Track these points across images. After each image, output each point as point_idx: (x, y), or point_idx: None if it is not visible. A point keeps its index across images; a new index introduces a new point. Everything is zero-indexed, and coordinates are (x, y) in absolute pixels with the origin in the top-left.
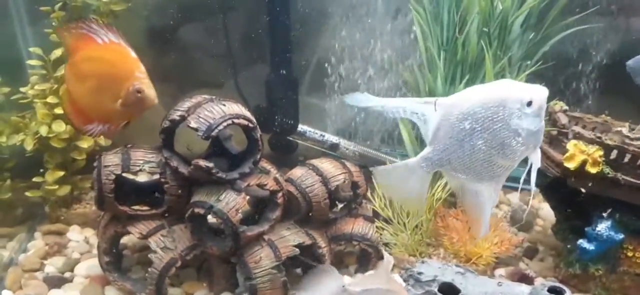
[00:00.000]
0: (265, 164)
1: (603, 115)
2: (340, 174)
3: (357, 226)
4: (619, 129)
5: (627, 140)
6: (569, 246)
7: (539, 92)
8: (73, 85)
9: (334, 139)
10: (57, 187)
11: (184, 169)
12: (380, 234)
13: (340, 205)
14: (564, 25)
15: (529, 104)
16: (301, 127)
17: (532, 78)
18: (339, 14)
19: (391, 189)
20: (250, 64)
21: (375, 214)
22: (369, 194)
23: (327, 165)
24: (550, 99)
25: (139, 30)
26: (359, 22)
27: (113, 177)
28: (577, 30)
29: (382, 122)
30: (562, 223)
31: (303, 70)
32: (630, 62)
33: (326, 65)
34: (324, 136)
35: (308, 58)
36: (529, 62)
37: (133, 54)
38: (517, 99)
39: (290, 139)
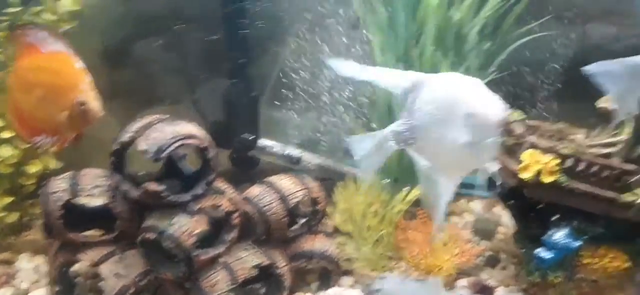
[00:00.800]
0: (220, 184)
1: (560, 123)
2: (299, 191)
3: (318, 243)
4: (575, 136)
5: (583, 148)
6: (528, 254)
7: (488, 109)
8: (18, 95)
9: (296, 152)
10: (5, 214)
11: (134, 193)
12: (342, 250)
13: (300, 223)
14: (520, 33)
15: (470, 116)
16: (262, 142)
17: (490, 86)
18: (297, 25)
19: (360, 159)
20: (208, 78)
21: (336, 230)
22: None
23: (285, 182)
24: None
25: (93, 46)
26: (318, 32)
27: (61, 203)
28: (535, 37)
29: (344, 133)
30: (522, 231)
31: (262, 83)
32: (590, 67)
33: (286, 77)
34: (285, 150)
35: (267, 70)
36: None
37: (79, 64)
38: (464, 106)
39: (252, 154)
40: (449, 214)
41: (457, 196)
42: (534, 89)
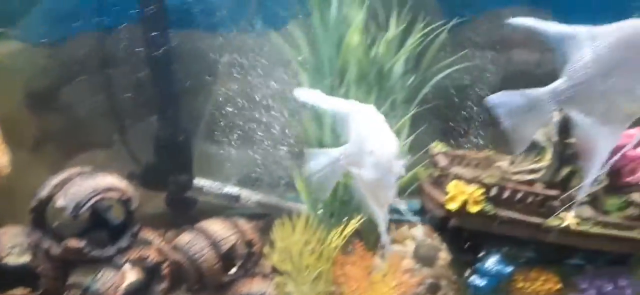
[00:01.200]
0: (148, 234)
1: (486, 150)
2: (231, 235)
3: (255, 286)
4: (500, 163)
5: (508, 175)
6: (465, 282)
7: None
8: None
9: (234, 190)
10: None
11: (56, 250)
12: (281, 290)
13: (234, 268)
14: (443, 65)
15: (371, 153)
16: (198, 182)
17: (417, 119)
18: (229, 62)
19: (312, 175)
20: (138, 120)
21: (275, 270)
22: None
23: (217, 227)
24: (435, 138)
25: (18, 93)
26: (250, 71)
27: None
28: (460, 67)
29: (284, 169)
30: (456, 260)
31: (195, 121)
32: (490, 98)
33: (220, 115)
34: (223, 189)
35: (199, 109)
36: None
37: None
38: (368, 143)
39: (188, 195)
40: (391, 242)
41: (399, 223)
42: (461, 118)
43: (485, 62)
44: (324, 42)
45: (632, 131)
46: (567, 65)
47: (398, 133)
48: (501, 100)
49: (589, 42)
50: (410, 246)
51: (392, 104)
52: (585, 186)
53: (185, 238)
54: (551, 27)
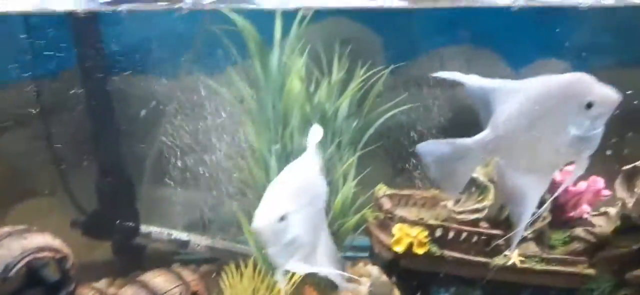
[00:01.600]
0: (86, 291)
1: (432, 190)
2: (175, 288)
3: None
4: (446, 202)
5: (453, 215)
6: None
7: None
8: None
9: (183, 236)
10: None
11: None
12: None
13: None
14: (387, 107)
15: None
16: (145, 228)
17: (363, 160)
18: (175, 107)
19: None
20: (81, 168)
21: None
22: None
23: (159, 280)
24: (385, 178)
25: None
26: (195, 115)
27: None
28: (407, 107)
29: (232, 214)
30: None
31: (139, 166)
32: (418, 147)
33: (167, 159)
34: (172, 235)
35: (144, 154)
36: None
37: None
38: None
39: (135, 242)
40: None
41: (355, 260)
42: (408, 157)
43: (430, 100)
44: (266, 88)
45: (571, 167)
46: (492, 117)
47: (345, 175)
48: (429, 149)
49: (511, 96)
50: (365, 284)
51: (338, 147)
52: (518, 233)
53: (128, 292)
54: (474, 81)
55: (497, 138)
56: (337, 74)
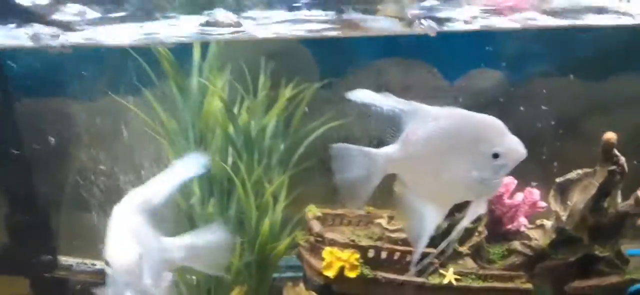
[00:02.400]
0: None
1: (367, 207)
2: None
3: None
4: (380, 220)
5: (387, 233)
6: None
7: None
8: None
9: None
10: None
11: None
12: None
13: None
14: (320, 123)
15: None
16: (66, 261)
17: (294, 180)
18: (92, 131)
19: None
20: None
21: None
22: None
23: None
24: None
25: None
26: (114, 141)
27: None
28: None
29: None
30: None
31: (57, 194)
32: (335, 147)
33: (85, 186)
34: (95, 265)
35: (62, 179)
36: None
37: None
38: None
39: (55, 276)
40: None
41: (296, 280)
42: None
43: (364, 115)
44: (184, 108)
45: (507, 180)
46: (403, 135)
47: (274, 196)
48: (341, 152)
49: (425, 120)
50: None
51: (266, 167)
52: (415, 258)
53: None
54: (388, 102)
55: (404, 157)
56: (261, 92)
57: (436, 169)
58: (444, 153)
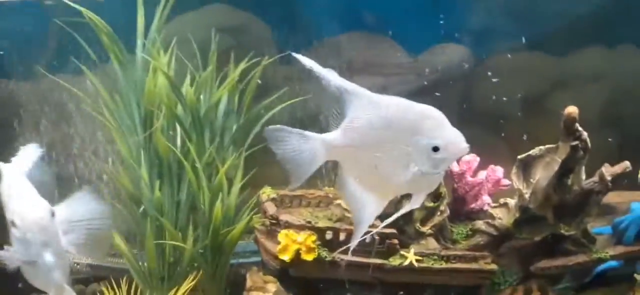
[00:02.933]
0: None
1: (326, 188)
2: None
3: None
4: (339, 201)
5: (346, 214)
6: None
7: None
8: None
9: None
10: None
11: None
12: None
13: None
14: (266, 105)
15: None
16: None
17: (250, 162)
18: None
19: None
20: None
21: None
22: None
23: None
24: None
25: None
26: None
27: None
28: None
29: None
30: None
31: None
32: (269, 130)
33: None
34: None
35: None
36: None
37: None
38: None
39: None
40: (250, 289)
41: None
42: None
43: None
44: (127, 86)
45: (469, 158)
46: (344, 122)
47: (229, 178)
48: (277, 135)
49: (367, 108)
50: (271, 290)
51: (218, 147)
52: (354, 241)
53: None
54: (334, 79)
55: (344, 144)
56: (209, 67)
57: (376, 160)
58: (385, 144)
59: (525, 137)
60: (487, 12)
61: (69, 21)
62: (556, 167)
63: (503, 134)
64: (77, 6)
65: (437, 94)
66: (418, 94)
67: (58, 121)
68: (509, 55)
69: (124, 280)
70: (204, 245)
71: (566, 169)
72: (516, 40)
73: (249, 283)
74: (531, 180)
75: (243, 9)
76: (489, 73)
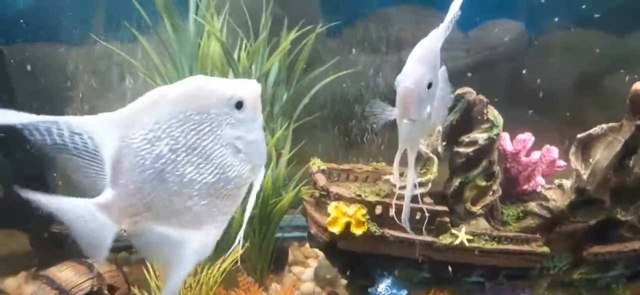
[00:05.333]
0: None
1: (374, 163)
2: (85, 281)
3: None
4: (389, 176)
5: (395, 189)
6: None
7: (248, 89)
8: None
9: None
10: None
11: None
12: None
13: None
14: (314, 77)
15: (239, 105)
16: None
17: (299, 132)
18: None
19: None
20: None
21: None
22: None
23: (67, 274)
24: (327, 150)
25: None
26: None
27: None
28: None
29: None
30: (350, 283)
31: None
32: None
33: None
34: None
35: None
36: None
37: None
38: (222, 101)
39: (56, 230)
40: (292, 263)
41: (302, 241)
42: (352, 127)
43: (376, 64)
44: (180, 52)
45: (524, 136)
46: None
47: (276, 147)
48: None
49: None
50: (312, 265)
51: (268, 117)
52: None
53: (29, 290)
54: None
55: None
56: (263, 34)
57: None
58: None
59: (579, 118)
60: None
61: None
62: (618, 147)
63: (557, 114)
64: None
65: (486, 71)
66: (467, 71)
67: (106, 88)
68: (567, 31)
69: None
70: (252, 215)
71: (629, 149)
72: (571, 18)
73: (290, 257)
74: (590, 161)
75: None
76: (543, 51)
